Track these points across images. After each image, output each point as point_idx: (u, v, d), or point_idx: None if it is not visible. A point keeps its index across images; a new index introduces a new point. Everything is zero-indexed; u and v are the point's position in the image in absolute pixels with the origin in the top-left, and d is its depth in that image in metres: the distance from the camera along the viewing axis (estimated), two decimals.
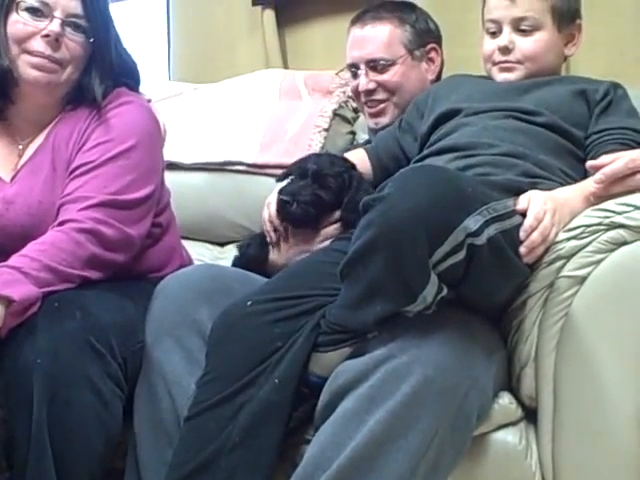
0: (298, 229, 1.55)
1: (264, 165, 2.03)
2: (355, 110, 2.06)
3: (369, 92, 1.80)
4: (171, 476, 1.24)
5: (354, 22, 1.84)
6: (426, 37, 1.83)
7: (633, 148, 1.37)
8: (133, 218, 1.44)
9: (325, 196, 1.52)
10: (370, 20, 1.80)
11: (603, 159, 1.29)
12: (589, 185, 1.30)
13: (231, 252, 1.85)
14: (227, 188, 2.08)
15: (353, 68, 1.83)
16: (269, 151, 2.04)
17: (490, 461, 1.27)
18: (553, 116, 1.47)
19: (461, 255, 1.14)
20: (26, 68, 1.44)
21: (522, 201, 1.26)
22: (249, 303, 1.31)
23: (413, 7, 1.87)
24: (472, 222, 1.13)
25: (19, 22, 1.44)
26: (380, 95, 1.80)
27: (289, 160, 1.92)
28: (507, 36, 1.55)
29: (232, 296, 1.36)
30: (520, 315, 1.28)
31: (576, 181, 1.40)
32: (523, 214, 1.23)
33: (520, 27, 1.54)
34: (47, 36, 1.43)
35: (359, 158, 1.66)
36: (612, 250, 1.22)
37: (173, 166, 1.99)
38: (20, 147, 1.52)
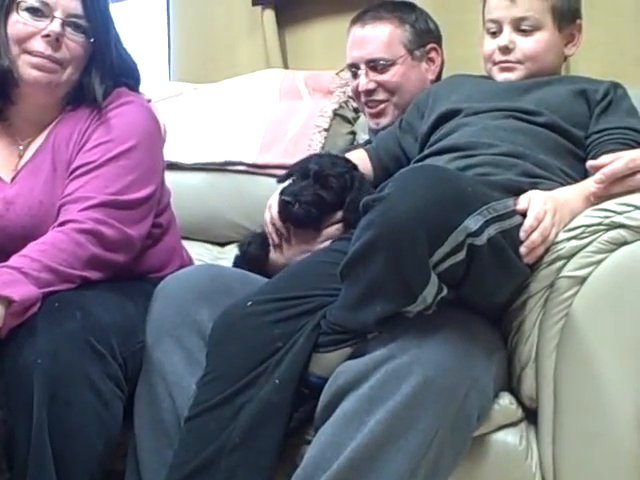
0: (300, 229, 1.55)
1: (264, 165, 2.03)
2: (355, 110, 2.06)
3: (369, 92, 1.80)
4: (171, 477, 1.24)
5: (354, 22, 1.84)
6: (426, 37, 1.83)
7: (633, 148, 1.37)
8: (133, 218, 1.44)
9: (327, 196, 1.52)
10: (370, 20, 1.80)
11: (603, 159, 1.29)
12: (589, 185, 1.30)
13: (231, 252, 1.85)
14: (227, 188, 2.08)
15: (353, 68, 1.83)
16: (269, 151, 2.04)
17: (490, 462, 1.27)
18: (553, 116, 1.47)
19: (461, 255, 1.14)
20: (26, 68, 1.44)
21: (522, 201, 1.26)
22: (249, 303, 1.31)
23: (413, 7, 1.87)
24: (472, 222, 1.13)
25: (19, 22, 1.44)
26: (380, 95, 1.80)
27: (289, 160, 1.93)
28: (507, 36, 1.55)
29: (232, 296, 1.36)
30: (520, 315, 1.28)
31: (576, 181, 1.40)
32: (523, 214, 1.23)
33: (520, 27, 1.54)
34: (47, 36, 1.43)
35: (359, 158, 1.66)
36: (612, 250, 1.22)
37: (173, 166, 1.99)
38: (20, 147, 1.52)
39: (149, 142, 1.50)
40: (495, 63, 1.59)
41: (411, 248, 1.12)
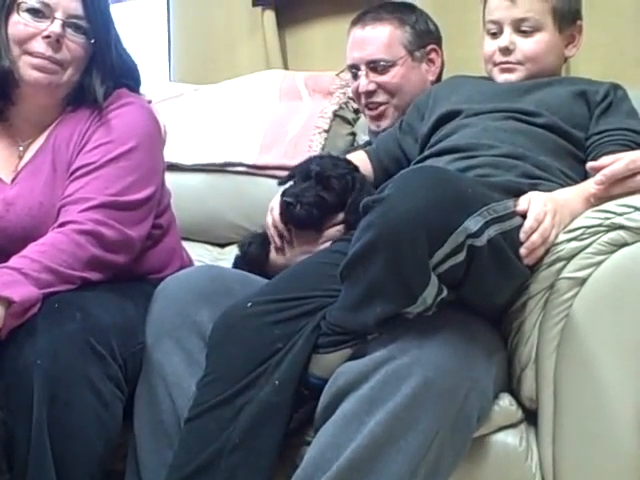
0: (301, 231, 1.55)
1: (264, 166, 2.03)
2: (355, 111, 2.06)
3: (369, 94, 1.80)
4: (171, 477, 1.24)
5: (354, 23, 1.84)
6: (426, 38, 1.83)
7: (633, 149, 1.37)
8: (134, 219, 1.44)
9: (328, 198, 1.52)
10: (370, 21, 1.80)
11: (603, 160, 1.29)
12: (589, 186, 1.30)
13: (231, 253, 1.85)
14: (227, 189, 2.08)
15: (353, 69, 1.83)
16: (269, 152, 2.04)
17: (490, 463, 1.27)
18: (553, 117, 1.47)
19: (461, 256, 1.14)
20: (27, 69, 1.44)
21: (522, 202, 1.25)
22: (249, 304, 1.31)
23: (413, 8, 1.87)
24: (472, 223, 1.13)
25: (20, 23, 1.44)
26: (380, 97, 1.80)
27: (289, 161, 1.93)
28: (508, 37, 1.55)
29: (232, 297, 1.36)
30: (520, 317, 1.28)
31: (576, 182, 1.39)
32: (523, 215, 1.23)
33: (521, 28, 1.54)
34: (48, 37, 1.43)
35: (360, 160, 1.66)
36: (612, 251, 1.22)
37: (173, 167, 1.99)
38: (21, 148, 1.52)
39: (149, 143, 1.50)
40: (495, 64, 1.59)
41: (411, 249, 1.12)
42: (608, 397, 1.23)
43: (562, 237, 1.24)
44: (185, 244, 1.77)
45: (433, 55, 1.83)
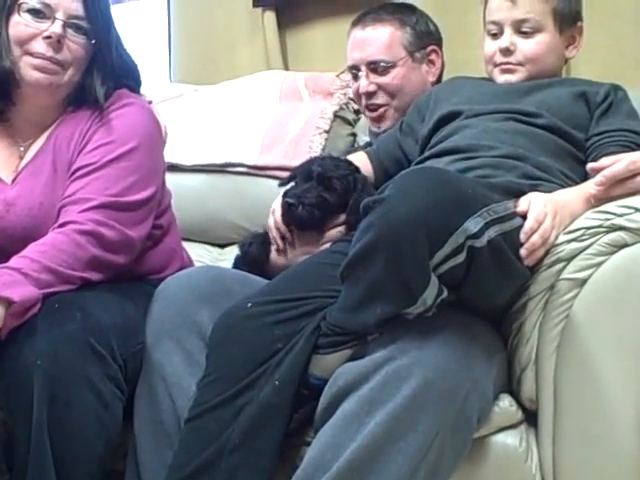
0: (303, 232, 1.55)
1: (264, 167, 2.03)
2: (356, 112, 2.06)
3: (369, 95, 1.80)
4: (171, 477, 1.24)
5: (355, 24, 1.84)
6: (426, 39, 1.83)
7: (633, 150, 1.38)
8: (134, 220, 1.44)
9: (330, 198, 1.52)
10: (371, 22, 1.80)
11: (603, 161, 1.29)
12: (589, 187, 1.30)
13: (231, 254, 1.85)
14: (227, 190, 2.08)
15: (354, 70, 1.83)
16: (269, 153, 2.04)
17: (490, 464, 1.27)
18: (553, 118, 1.47)
19: (461, 257, 1.14)
20: (28, 69, 1.44)
21: (522, 203, 1.25)
22: (249, 305, 1.31)
23: (413, 9, 1.87)
24: (472, 224, 1.13)
25: (21, 23, 1.44)
26: (380, 99, 1.80)
27: (289, 162, 1.93)
28: (508, 38, 1.55)
29: (232, 298, 1.36)
30: (520, 318, 1.28)
31: (576, 183, 1.40)
32: (523, 216, 1.23)
33: (521, 29, 1.54)
34: (49, 37, 1.43)
35: (360, 161, 1.66)
36: (613, 252, 1.22)
37: (174, 168, 1.99)
38: (21, 149, 1.52)
39: (150, 144, 1.50)
40: (496, 65, 1.59)
41: (411, 250, 1.12)
42: (608, 398, 1.23)
43: (562, 238, 1.24)
44: (185, 244, 1.77)
45: (433, 56, 1.83)
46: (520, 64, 1.56)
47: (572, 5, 1.58)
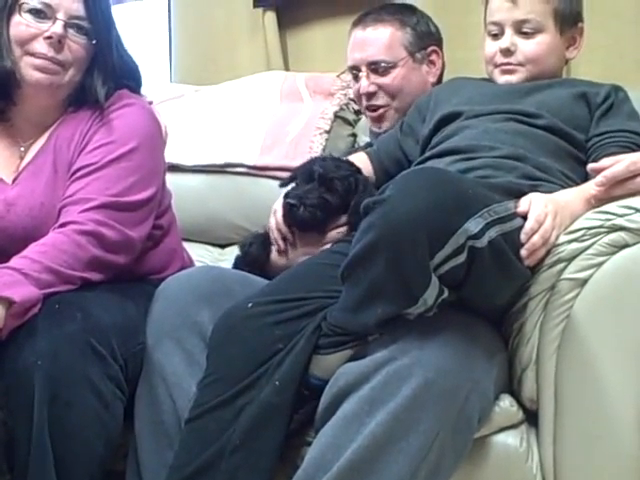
0: (304, 233, 1.55)
1: (265, 167, 2.03)
2: (356, 112, 2.06)
3: (370, 95, 1.80)
4: (171, 478, 1.24)
5: (355, 24, 1.84)
6: (427, 39, 1.83)
7: (634, 151, 1.38)
8: (134, 220, 1.44)
9: (332, 199, 1.52)
10: (371, 22, 1.81)
11: (604, 162, 1.30)
12: (590, 188, 1.30)
13: (232, 254, 1.85)
14: (228, 190, 2.08)
15: (354, 70, 1.83)
16: (270, 153, 2.04)
17: (491, 464, 1.27)
18: (554, 119, 1.47)
19: (462, 258, 1.14)
20: (29, 70, 1.44)
21: (523, 204, 1.26)
22: (250, 305, 1.31)
23: (414, 9, 1.87)
24: (473, 225, 1.13)
25: (22, 24, 1.44)
26: (380, 100, 1.80)
27: (290, 162, 1.93)
28: (509, 38, 1.55)
29: (233, 298, 1.36)
30: (521, 318, 1.28)
31: (577, 184, 1.40)
32: (524, 217, 1.23)
33: (522, 29, 1.54)
34: (50, 38, 1.43)
35: (361, 161, 1.66)
36: (613, 253, 1.22)
37: (174, 168, 1.99)
38: (22, 149, 1.52)
39: (150, 144, 1.51)
40: (496, 65, 1.59)
41: (412, 250, 1.12)
42: (609, 398, 1.23)
43: (563, 238, 1.24)
44: (186, 245, 1.77)
45: (434, 57, 1.83)
46: (521, 65, 1.56)
47: (573, 6, 1.58)
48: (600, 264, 1.22)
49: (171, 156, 1.83)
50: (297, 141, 2.02)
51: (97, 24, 1.47)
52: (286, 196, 1.55)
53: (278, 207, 1.58)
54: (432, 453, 1.15)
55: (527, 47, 1.54)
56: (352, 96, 1.95)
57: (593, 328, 1.23)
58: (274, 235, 1.57)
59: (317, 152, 1.97)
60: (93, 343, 1.25)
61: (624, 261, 1.22)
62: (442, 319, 1.19)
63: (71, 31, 1.45)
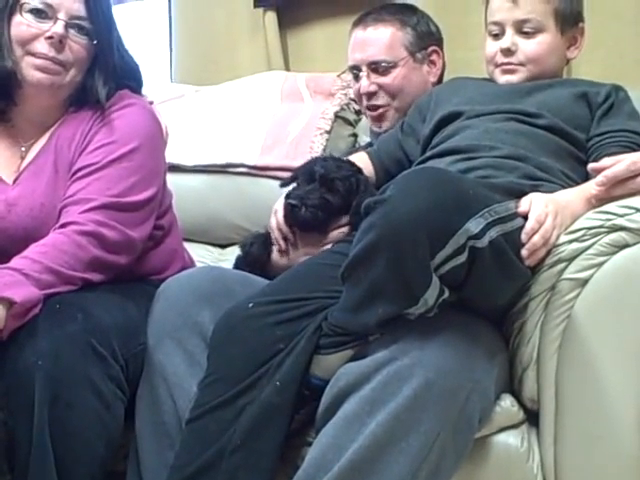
0: (305, 233, 1.55)
1: (265, 167, 2.03)
2: (357, 112, 2.06)
3: (370, 95, 1.80)
4: (172, 478, 1.24)
5: (356, 24, 1.84)
6: (427, 39, 1.83)
7: (634, 151, 1.37)
8: (135, 220, 1.44)
9: (333, 200, 1.52)
10: (372, 22, 1.81)
11: (605, 162, 1.30)
12: (590, 187, 1.30)
13: (232, 254, 1.85)
14: (228, 190, 2.08)
15: (355, 70, 1.83)
16: (270, 153, 2.04)
17: (492, 464, 1.27)
18: (554, 118, 1.47)
19: (463, 258, 1.14)
20: (30, 70, 1.44)
21: (524, 204, 1.26)
22: (251, 305, 1.31)
23: (414, 9, 1.87)
24: (474, 225, 1.13)
25: (23, 24, 1.45)
26: (381, 100, 1.80)
27: (290, 162, 1.93)
28: (510, 38, 1.55)
29: (233, 298, 1.36)
30: (522, 318, 1.28)
31: (577, 183, 1.40)
32: (525, 217, 1.23)
33: (523, 29, 1.54)
34: (51, 38, 1.43)
35: (361, 161, 1.66)
36: (614, 253, 1.22)
37: (175, 168, 1.99)
38: (23, 149, 1.52)
39: (151, 144, 1.51)
40: (497, 65, 1.59)
41: (412, 250, 1.12)
42: (609, 398, 1.23)
43: (563, 238, 1.24)
44: (186, 245, 1.77)
45: (434, 56, 1.83)
46: (521, 64, 1.56)
47: (573, 6, 1.58)
48: (601, 264, 1.22)
49: (172, 156, 1.83)
50: (298, 141, 2.02)
51: (98, 24, 1.47)
52: (287, 196, 1.54)
53: (279, 207, 1.58)
54: (433, 453, 1.15)
55: (528, 47, 1.54)
56: (353, 96, 1.95)
57: (594, 328, 1.23)
58: (275, 235, 1.57)
59: (318, 152, 1.97)
60: (94, 344, 1.25)
61: (624, 261, 1.22)
62: (443, 319, 1.19)
63: (72, 31, 1.45)
